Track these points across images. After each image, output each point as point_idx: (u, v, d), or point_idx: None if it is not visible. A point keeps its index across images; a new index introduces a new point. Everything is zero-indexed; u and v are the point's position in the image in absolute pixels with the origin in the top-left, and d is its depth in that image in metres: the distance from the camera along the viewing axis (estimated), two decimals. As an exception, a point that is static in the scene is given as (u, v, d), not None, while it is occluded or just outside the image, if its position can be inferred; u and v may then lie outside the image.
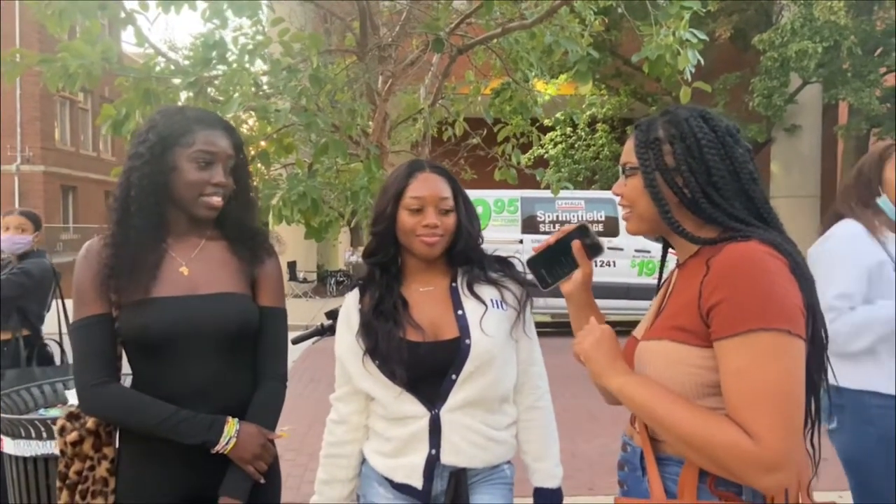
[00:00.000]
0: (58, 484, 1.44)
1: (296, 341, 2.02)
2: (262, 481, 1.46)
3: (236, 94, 2.59)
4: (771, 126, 12.37)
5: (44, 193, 20.19)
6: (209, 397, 1.42)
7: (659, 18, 2.81)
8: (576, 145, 14.30)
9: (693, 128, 1.11)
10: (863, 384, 1.90)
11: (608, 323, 1.26)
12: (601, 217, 9.04)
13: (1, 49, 2.57)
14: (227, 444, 1.39)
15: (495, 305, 1.51)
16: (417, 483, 1.46)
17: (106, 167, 23.34)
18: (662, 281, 1.30)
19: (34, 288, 3.18)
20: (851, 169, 2.12)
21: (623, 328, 1.79)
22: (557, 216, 9.07)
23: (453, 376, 1.45)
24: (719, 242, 1.07)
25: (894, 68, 10.95)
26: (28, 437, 2.19)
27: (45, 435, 2.18)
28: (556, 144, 14.24)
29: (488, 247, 1.60)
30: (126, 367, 1.47)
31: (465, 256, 1.53)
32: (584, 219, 9.08)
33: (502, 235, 8.30)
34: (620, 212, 1.23)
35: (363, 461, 1.57)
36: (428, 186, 1.49)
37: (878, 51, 11.41)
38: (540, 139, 4.50)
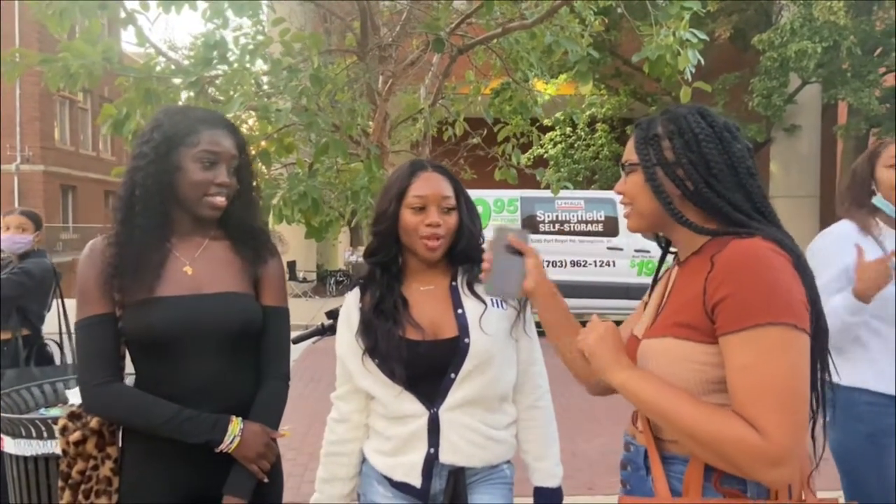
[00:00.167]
0: (59, 484, 1.44)
1: (296, 341, 2.02)
2: (266, 480, 1.46)
3: (237, 94, 2.60)
4: (770, 126, 12.38)
5: (43, 193, 20.17)
6: (212, 396, 1.42)
7: (659, 19, 2.81)
8: (575, 145, 14.31)
9: (691, 123, 1.12)
10: (853, 381, 1.91)
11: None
12: (601, 217, 9.04)
13: (1, 49, 2.57)
14: (231, 443, 1.40)
15: (495, 304, 1.51)
16: (416, 482, 1.47)
17: (105, 167, 23.35)
18: (658, 279, 1.31)
19: (35, 288, 3.18)
20: (849, 171, 2.15)
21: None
22: (557, 216, 9.08)
23: (452, 375, 1.46)
24: (723, 236, 1.08)
25: (894, 68, 10.96)
26: (28, 436, 2.19)
27: (45, 434, 2.18)
28: (555, 144, 14.25)
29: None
30: (129, 367, 1.48)
31: (467, 256, 1.53)
32: (584, 218, 9.09)
33: (502, 235, 8.28)
34: (620, 211, 1.24)
35: (363, 460, 1.57)
36: (430, 185, 1.49)
37: (878, 51, 11.42)
38: (540, 139, 4.51)
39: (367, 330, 1.49)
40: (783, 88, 11.44)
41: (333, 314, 2.07)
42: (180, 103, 2.81)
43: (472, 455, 1.47)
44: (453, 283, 1.54)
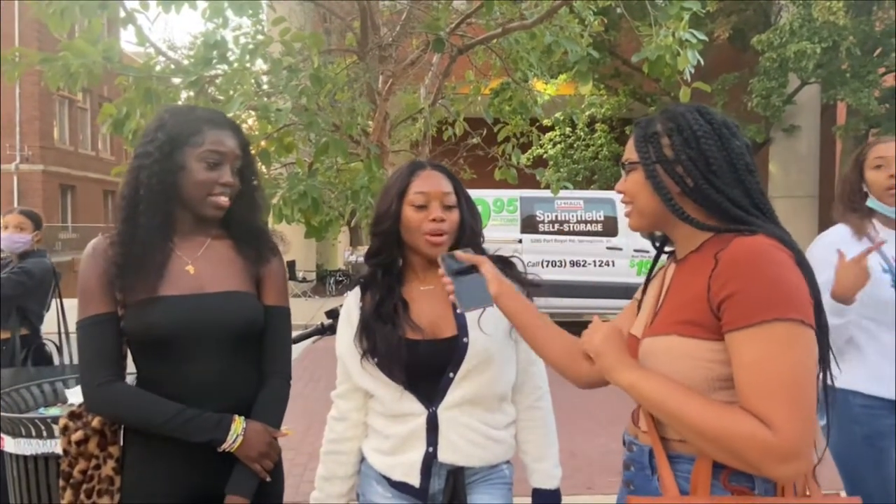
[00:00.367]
0: (61, 483, 1.43)
1: (295, 340, 2.02)
2: (268, 479, 1.46)
3: (237, 94, 2.60)
4: (769, 126, 12.39)
5: (42, 193, 20.16)
6: (214, 396, 1.42)
7: (659, 19, 2.82)
8: (575, 145, 14.31)
9: (690, 121, 1.13)
10: (848, 384, 1.92)
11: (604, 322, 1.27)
12: (600, 217, 9.04)
13: (0, 48, 2.57)
14: (234, 442, 1.40)
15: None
16: (415, 481, 1.47)
17: (105, 166, 23.34)
18: (652, 277, 1.31)
19: (35, 287, 3.18)
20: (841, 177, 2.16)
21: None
22: (556, 216, 9.08)
23: (451, 374, 1.46)
24: (724, 233, 1.09)
25: (893, 69, 10.97)
26: (28, 435, 2.19)
27: (45, 434, 2.18)
28: (555, 144, 14.25)
29: (490, 246, 1.61)
30: (130, 367, 1.48)
31: None
32: (583, 218, 9.10)
33: (502, 235, 8.30)
34: (620, 211, 1.25)
35: (362, 459, 1.57)
36: (431, 182, 1.50)
37: (877, 51, 11.43)
38: (539, 139, 4.51)
39: (367, 332, 1.49)
40: (782, 89, 11.44)
41: (333, 314, 2.07)
42: (180, 103, 2.81)
43: (471, 454, 1.47)
44: None
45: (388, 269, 1.54)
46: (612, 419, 4.69)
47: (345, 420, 1.57)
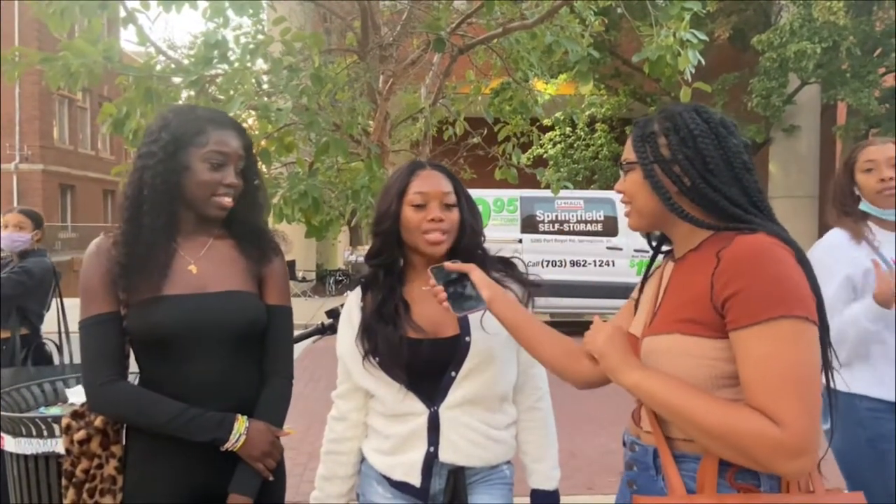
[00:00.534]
0: (63, 482, 1.43)
1: (295, 340, 2.02)
2: (271, 479, 1.46)
3: (238, 93, 2.59)
4: (769, 126, 12.39)
5: (42, 192, 20.15)
6: (217, 395, 1.42)
7: (660, 19, 2.82)
8: (575, 145, 14.31)
9: (686, 120, 1.14)
10: (853, 387, 1.91)
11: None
12: (600, 217, 9.05)
13: (0, 48, 2.57)
14: (236, 441, 1.40)
15: None
16: (416, 481, 1.47)
17: (104, 166, 23.32)
18: (648, 277, 1.31)
19: (35, 287, 3.18)
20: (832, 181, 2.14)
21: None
22: (557, 216, 9.08)
23: (453, 373, 1.46)
24: (724, 231, 1.09)
25: (893, 69, 10.97)
26: (29, 435, 2.19)
27: (46, 433, 2.18)
28: (555, 144, 14.25)
29: (491, 247, 1.61)
30: (133, 366, 1.48)
31: (469, 253, 1.53)
32: (584, 218, 9.11)
33: (502, 234, 8.31)
34: (620, 211, 1.26)
35: (363, 459, 1.57)
36: (431, 182, 1.50)
37: (877, 51, 11.44)
38: (540, 139, 4.51)
39: (368, 332, 1.49)
40: (782, 89, 11.44)
41: (334, 313, 2.07)
42: (180, 102, 2.81)
43: (472, 454, 1.47)
44: None
45: (389, 269, 1.54)
46: (612, 419, 4.69)
47: (345, 420, 1.57)
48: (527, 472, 1.57)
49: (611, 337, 1.17)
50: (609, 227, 8.93)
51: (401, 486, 1.49)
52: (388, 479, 1.50)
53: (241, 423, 1.41)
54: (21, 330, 3.16)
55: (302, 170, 3.05)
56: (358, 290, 1.59)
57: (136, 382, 1.47)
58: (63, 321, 3.19)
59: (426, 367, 1.46)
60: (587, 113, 11.65)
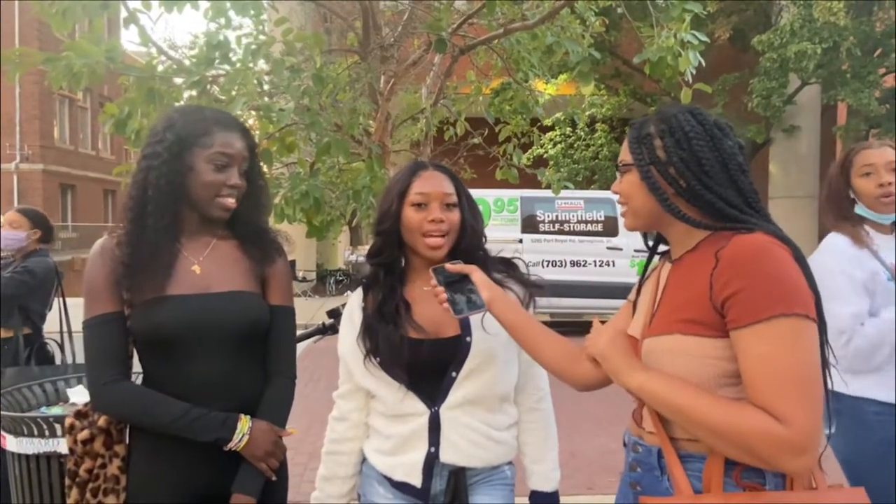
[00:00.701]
0: (67, 482, 1.44)
1: (296, 340, 2.02)
2: (274, 478, 1.47)
3: (239, 94, 2.60)
4: (769, 127, 12.38)
5: (42, 192, 20.13)
6: (220, 395, 1.43)
7: (661, 20, 2.82)
8: (575, 145, 14.31)
9: (681, 122, 1.15)
10: (861, 391, 1.89)
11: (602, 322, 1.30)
12: (600, 217, 9.05)
13: (0, 48, 2.57)
14: (240, 441, 1.40)
15: None
16: (416, 481, 1.47)
17: (105, 166, 23.31)
18: (646, 278, 1.32)
19: (37, 287, 3.17)
20: (824, 182, 2.10)
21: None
22: (557, 216, 9.08)
23: (453, 373, 1.46)
24: (722, 231, 1.10)
25: (893, 69, 10.97)
26: (31, 434, 2.19)
27: (47, 433, 2.18)
28: (555, 144, 14.24)
29: (492, 247, 1.61)
30: (136, 366, 1.48)
31: (470, 256, 1.53)
32: (584, 218, 9.11)
33: (502, 234, 8.31)
34: (621, 211, 1.27)
35: (364, 460, 1.58)
36: (432, 183, 1.50)
37: (878, 52, 11.43)
38: (540, 139, 4.51)
39: (369, 332, 1.49)
40: (783, 89, 11.44)
41: (334, 313, 2.07)
42: (182, 103, 2.81)
43: (473, 455, 1.47)
44: None
45: (390, 268, 1.55)
46: (612, 419, 4.69)
47: (346, 420, 1.57)
48: (526, 473, 1.57)
49: (612, 340, 1.17)
50: (609, 228, 8.94)
51: (401, 487, 1.49)
52: (389, 480, 1.50)
53: (244, 423, 1.42)
54: (23, 329, 3.16)
55: (303, 170, 3.06)
56: (359, 291, 1.60)
57: (140, 382, 1.47)
58: (66, 321, 3.19)
59: (427, 368, 1.46)
60: (587, 113, 11.65)
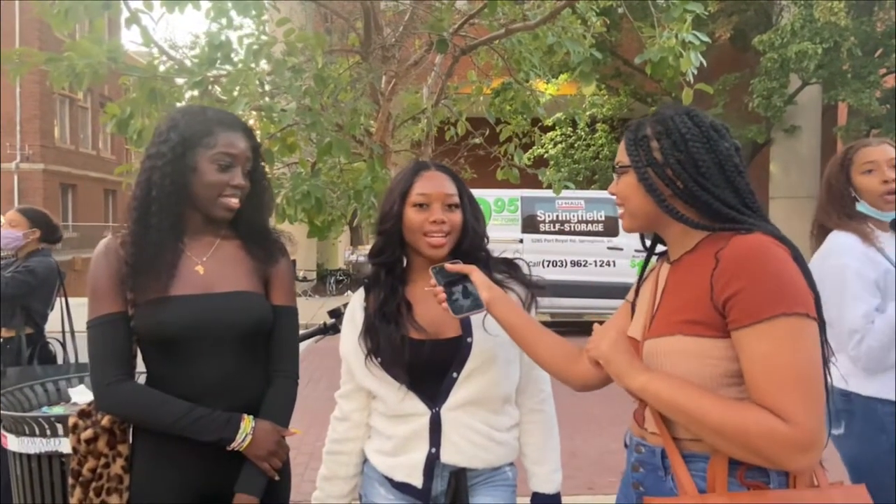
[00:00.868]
0: (70, 481, 1.44)
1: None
2: (277, 478, 1.47)
3: (241, 94, 2.60)
4: (770, 127, 12.39)
5: (43, 192, 20.13)
6: (223, 395, 1.43)
7: (663, 21, 2.82)
8: (575, 145, 14.30)
9: (678, 124, 1.15)
10: (874, 391, 1.86)
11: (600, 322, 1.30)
12: (601, 217, 9.05)
13: (0, 47, 2.57)
14: (243, 441, 1.41)
15: None
16: (417, 482, 1.47)
17: (105, 165, 23.31)
18: (644, 279, 1.32)
19: (39, 286, 3.17)
20: (822, 182, 2.07)
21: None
22: (557, 216, 9.09)
23: (454, 374, 1.46)
24: (719, 231, 1.11)
25: (894, 69, 10.98)
26: (32, 434, 2.20)
27: (49, 432, 2.18)
28: (555, 144, 14.24)
29: (494, 248, 1.61)
30: (140, 366, 1.48)
31: (471, 256, 1.53)
32: (584, 218, 9.11)
33: (503, 234, 8.31)
34: (619, 212, 1.27)
35: (365, 460, 1.58)
36: (434, 184, 1.50)
37: (878, 52, 11.44)
38: (541, 139, 4.51)
39: (371, 332, 1.50)
40: (783, 89, 11.44)
41: (336, 313, 2.07)
42: (184, 103, 2.82)
43: (474, 456, 1.47)
44: None
45: (391, 268, 1.55)
46: (612, 419, 4.69)
47: (347, 420, 1.58)
48: (527, 474, 1.57)
49: (615, 342, 1.18)
50: (610, 228, 8.94)
51: (402, 488, 1.49)
52: (390, 481, 1.51)
53: (247, 423, 1.42)
54: (25, 329, 3.17)
55: (305, 170, 3.06)
56: (361, 291, 1.60)
57: (143, 382, 1.48)
58: (68, 320, 3.19)
59: (428, 368, 1.46)
60: (588, 113, 11.65)
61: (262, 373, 1.52)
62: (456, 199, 1.51)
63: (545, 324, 1.42)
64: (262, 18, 3.33)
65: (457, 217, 1.50)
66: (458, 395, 1.46)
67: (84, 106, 22.88)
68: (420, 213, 1.48)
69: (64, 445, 2.16)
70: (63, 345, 3.24)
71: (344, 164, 3.22)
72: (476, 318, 1.47)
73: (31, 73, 2.56)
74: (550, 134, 13.90)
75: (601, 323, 1.32)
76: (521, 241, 8.82)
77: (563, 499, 1.57)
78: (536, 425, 1.56)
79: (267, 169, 3.03)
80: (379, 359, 1.48)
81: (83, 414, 1.46)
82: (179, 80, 2.82)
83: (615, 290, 8.65)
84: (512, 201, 9.07)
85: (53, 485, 2.21)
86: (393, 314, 1.49)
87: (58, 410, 2.44)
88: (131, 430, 1.48)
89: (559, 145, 14.25)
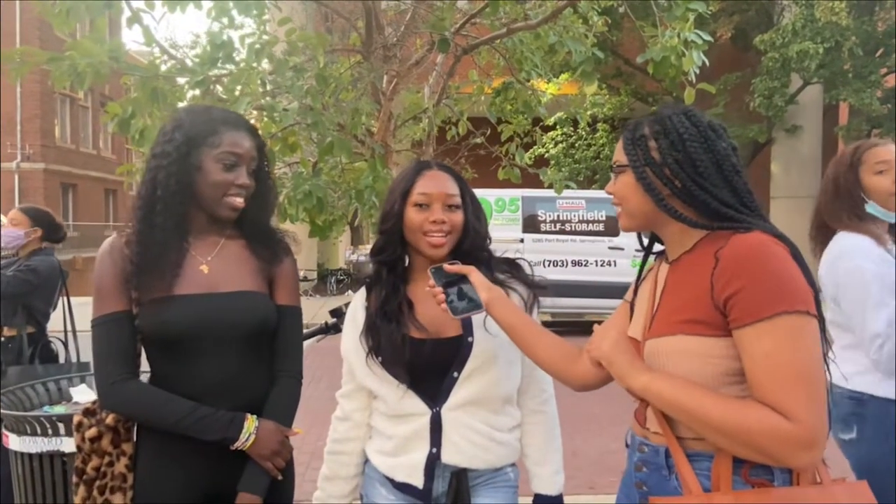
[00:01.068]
0: (74, 479, 1.45)
1: None
2: (280, 478, 1.47)
3: (242, 93, 2.60)
4: (771, 126, 12.39)
5: (44, 191, 20.13)
6: (227, 394, 1.43)
7: (665, 20, 2.81)
8: (576, 145, 14.30)
9: (676, 124, 1.16)
10: (887, 392, 1.85)
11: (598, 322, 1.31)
12: (602, 217, 9.06)
13: (1, 47, 2.57)
14: (246, 440, 1.41)
15: None
16: (418, 482, 1.47)
17: (106, 165, 23.32)
18: (642, 279, 1.32)
19: (41, 285, 3.18)
20: (826, 182, 2.04)
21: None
22: (558, 215, 9.09)
23: (455, 374, 1.46)
24: (718, 230, 1.11)
25: (895, 69, 10.97)
26: (34, 433, 2.20)
27: (50, 431, 2.19)
28: (556, 144, 14.24)
29: (495, 248, 1.61)
30: (144, 365, 1.49)
31: (473, 256, 1.53)
32: (585, 218, 9.11)
33: (503, 234, 8.32)
34: (616, 211, 1.27)
35: (366, 460, 1.58)
36: (435, 184, 1.50)
37: (879, 52, 11.44)
38: (542, 138, 4.51)
39: (371, 331, 1.50)
40: (784, 89, 11.44)
41: (337, 313, 2.07)
42: (185, 103, 2.81)
43: (475, 456, 1.47)
44: None
45: (392, 266, 1.55)
46: (612, 419, 4.69)
47: (348, 420, 1.58)
48: (529, 475, 1.56)
49: (616, 343, 1.18)
50: (611, 227, 8.95)
51: (403, 488, 1.49)
52: (391, 481, 1.51)
53: (251, 423, 1.42)
54: (27, 328, 3.17)
55: (306, 169, 3.05)
56: (363, 291, 1.60)
57: (147, 381, 1.48)
58: (70, 320, 3.20)
59: (428, 367, 1.46)
60: (589, 113, 11.64)
61: (266, 372, 1.53)
62: (457, 200, 1.51)
63: (546, 323, 1.42)
64: (264, 18, 3.32)
65: (457, 217, 1.50)
66: (458, 394, 1.46)
67: (85, 105, 22.89)
68: (420, 212, 1.48)
69: (65, 445, 2.17)
70: (65, 344, 3.24)
71: (345, 164, 3.21)
72: (477, 318, 1.47)
73: (31, 73, 2.56)
74: (551, 133, 13.89)
75: (601, 323, 1.32)
76: (522, 240, 8.82)
77: (564, 498, 1.57)
78: (538, 426, 1.56)
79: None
80: (380, 358, 1.48)
81: (88, 412, 1.46)
82: (181, 80, 2.81)
83: (616, 290, 8.62)
84: (513, 201, 9.08)
85: (55, 484, 2.21)
86: (394, 312, 1.49)
87: (59, 410, 2.45)
88: (135, 428, 1.49)
89: (560, 145, 14.25)
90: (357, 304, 1.59)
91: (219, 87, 2.82)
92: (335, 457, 1.59)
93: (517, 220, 9.08)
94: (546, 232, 9.09)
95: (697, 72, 2.78)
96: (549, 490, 1.54)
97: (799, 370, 0.99)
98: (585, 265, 9.02)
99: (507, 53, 3.86)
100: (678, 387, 1.07)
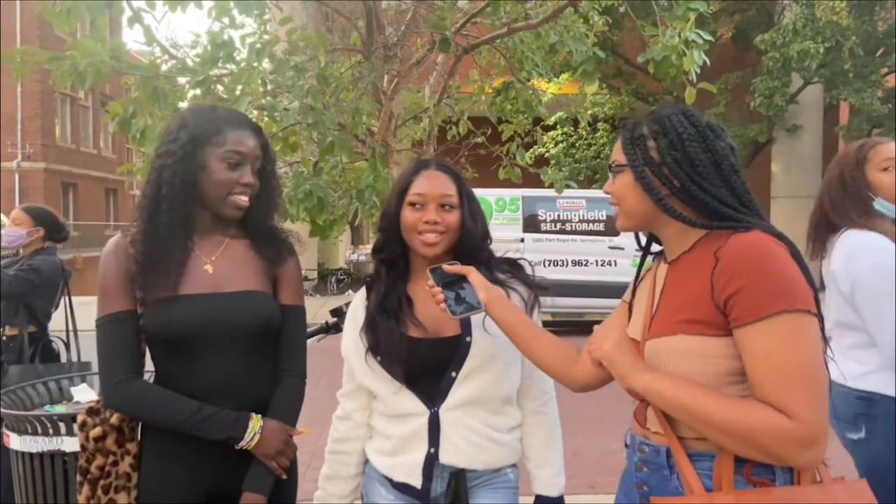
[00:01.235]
0: (78, 478, 1.44)
1: None
2: (284, 477, 1.47)
3: (243, 93, 2.60)
4: (772, 126, 12.39)
5: (44, 190, 20.14)
6: (231, 394, 1.44)
7: (666, 19, 2.81)
8: (577, 144, 14.30)
9: (674, 123, 1.16)
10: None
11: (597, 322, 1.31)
12: (602, 216, 9.06)
13: (1, 47, 2.57)
14: (251, 440, 1.41)
15: None
16: (416, 482, 1.47)
17: (106, 164, 23.33)
18: (640, 279, 1.32)
19: (43, 285, 3.18)
20: (830, 180, 2.02)
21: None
22: (558, 215, 9.09)
23: (453, 374, 1.46)
24: (717, 230, 1.12)
25: (895, 69, 10.97)
26: (35, 433, 2.20)
27: (51, 431, 2.19)
28: (557, 143, 14.24)
29: (495, 247, 1.61)
30: (149, 365, 1.49)
31: (472, 256, 1.53)
32: (585, 217, 9.12)
33: (504, 234, 8.32)
34: (614, 211, 1.28)
35: (366, 460, 1.58)
36: (431, 184, 1.50)
37: (880, 51, 11.45)
38: (542, 138, 4.50)
39: (371, 328, 1.50)
40: (785, 88, 11.44)
41: (338, 312, 2.08)
42: (186, 102, 2.81)
43: (473, 457, 1.47)
44: None
45: (392, 264, 1.55)
46: (612, 419, 4.69)
47: (349, 420, 1.58)
48: (530, 476, 1.56)
49: (617, 343, 1.18)
50: (611, 227, 8.95)
51: (402, 488, 1.49)
52: (390, 481, 1.51)
53: (255, 422, 1.43)
54: (28, 328, 3.17)
55: (306, 169, 3.05)
56: (363, 290, 1.61)
57: (152, 381, 1.48)
58: (72, 319, 3.20)
59: (426, 367, 1.47)
60: (589, 112, 11.65)
61: (270, 372, 1.53)
62: (453, 200, 1.51)
63: (546, 323, 1.43)
64: (265, 17, 3.32)
65: (452, 217, 1.50)
66: (456, 394, 1.46)
67: (85, 105, 22.89)
68: (415, 212, 1.48)
69: (66, 444, 2.17)
70: (66, 343, 3.24)
71: (346, 164, 3.21)
72: (476, 318, 1.47)
73: (32, 72, 2.56)
74: (552, 133, 13.90)
75: (601, 323, 1.32)
76: (523, 240, 8.82)
77: (565, 498, 1.56)
78: (539, 428, 1.55)
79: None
80: (378, 356, 1.48)
81: (92, 411, 1.46)
82: (182, 80, 2.82)
83: (616, 290, 8.63)
84: (513, 201, 9.08)
85: (56, 484, 2.21)
86: (394, 309, 1.49)
87: (60, 409, 2.45)
88: (140, 428, 1.49)
89: (560, 144, 14.25)
90: (358, 304, 1.59)
91: (219, 87, 2.82)
92: (336, 456, 1.59)
93: (517, 220, 9.08)
94: (546, 231, 9.10)
95: (698, 71, 2.78)
96: (550, 491, 1.53)
97: (800, 369, 0.99)
98: (586, 265, 9.02)
99: (508, 53, 3.85)
100: (680, 387, 1.08)
